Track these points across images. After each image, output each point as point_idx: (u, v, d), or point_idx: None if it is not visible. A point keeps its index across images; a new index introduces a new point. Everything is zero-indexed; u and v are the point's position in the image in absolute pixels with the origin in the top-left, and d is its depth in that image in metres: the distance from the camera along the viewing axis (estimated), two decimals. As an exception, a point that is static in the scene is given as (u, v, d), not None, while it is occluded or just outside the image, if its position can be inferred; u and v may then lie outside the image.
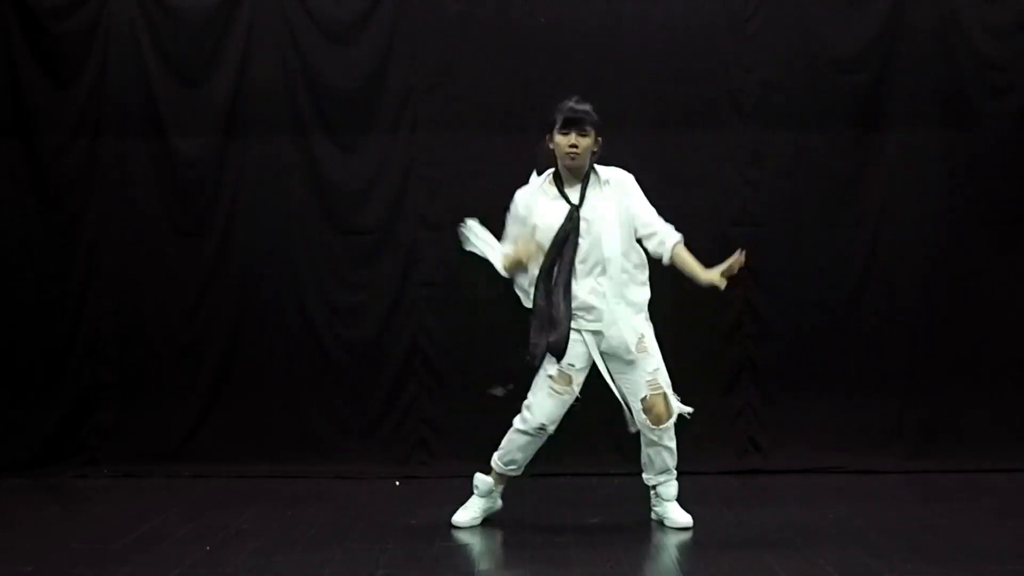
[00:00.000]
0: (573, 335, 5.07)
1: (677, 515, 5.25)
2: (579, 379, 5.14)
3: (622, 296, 5.11)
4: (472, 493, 5.32)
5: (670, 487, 5.28)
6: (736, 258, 5.04)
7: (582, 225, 5.06)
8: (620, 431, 6.26)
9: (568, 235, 5.05)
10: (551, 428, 5.16)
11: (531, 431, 5.14)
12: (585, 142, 5.07)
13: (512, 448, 5.20)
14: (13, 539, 5.13)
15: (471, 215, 6.30)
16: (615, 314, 5.08)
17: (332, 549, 4.88)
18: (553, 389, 5.10)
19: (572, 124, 5.05)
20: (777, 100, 6.33)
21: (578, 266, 5.06)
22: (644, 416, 5.13)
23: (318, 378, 6.39)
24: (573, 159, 5.07)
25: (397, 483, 6.14)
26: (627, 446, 6.26)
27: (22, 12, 6.33)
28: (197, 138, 6.36)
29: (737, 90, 6.34)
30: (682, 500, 5.62)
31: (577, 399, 5.16)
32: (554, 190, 5.14)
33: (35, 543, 5.04)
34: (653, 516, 5.34)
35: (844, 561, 4.61)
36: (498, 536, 5.12)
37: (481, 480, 5.29)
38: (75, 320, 6.40)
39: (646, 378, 5.12)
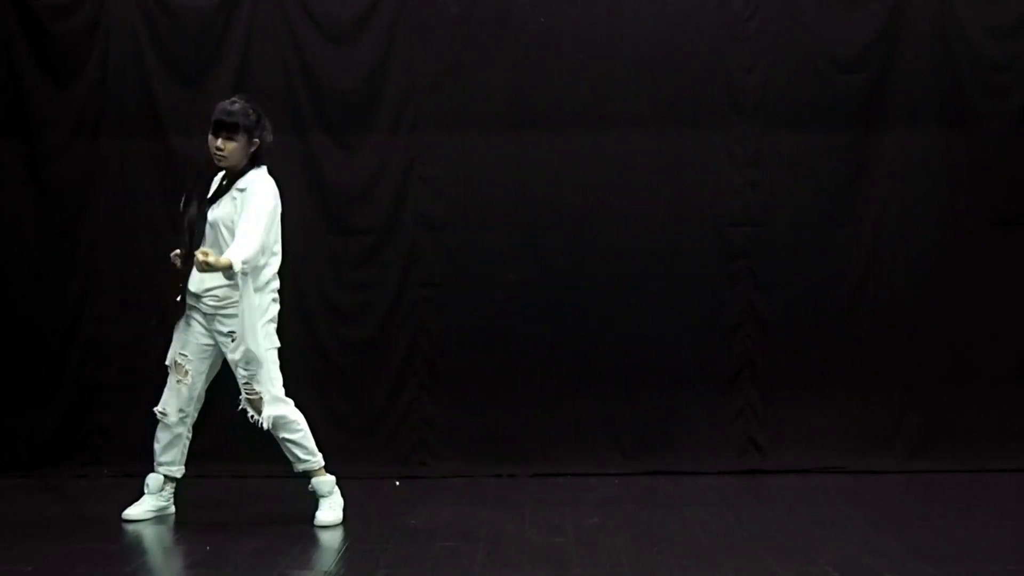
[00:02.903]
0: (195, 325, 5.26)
1: (323, 514, 5.29)
2: (198, 368, 5.32)
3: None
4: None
5: (320, 483, 5.34)
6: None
7: (209, 219, 5.22)
8: (619, 430, 6.28)
9: (193, 226, 5.24)
10: (172, 417, 5.30)
11: (158, 415, 5.34)
12: (229, 147, 5.18)
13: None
14: (13, 539, 5.12)
15: (471, 215, 6.33)
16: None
17: (332, 549, 4.88)
18: (172, 378, 5.33)
19: (216, 126, 5.18)
20: (777, 100, 6.33)
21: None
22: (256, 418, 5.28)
23: (318, 378, 6.38)
24: (219, 161, 5.21)
25: (397, 483, 6.14)
26: (627, 446, 6.28)
27: (22, 12, 6.33)
28: (197, 138, 6.34)
29: (737, 90, 6.34)
30: (682, 500, 5.64)
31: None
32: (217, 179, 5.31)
33: (35, 543, 5.03)
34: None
35: (844, 561, 4.61)
36: (498, 536, 5.11)
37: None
38: (75, 320, 6.40)
39: (241, 381, 5.27)
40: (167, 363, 5.35)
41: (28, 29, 6.34)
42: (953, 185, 6.35)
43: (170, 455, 5.39)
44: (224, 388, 6.38)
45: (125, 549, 4.90)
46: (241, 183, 5.23)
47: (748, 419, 6.39)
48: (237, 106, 5.18)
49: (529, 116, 6.29)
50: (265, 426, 5.22)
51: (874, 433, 6.35)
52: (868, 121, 6.34)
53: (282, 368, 6.40)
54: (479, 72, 6.32)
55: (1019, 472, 6.15)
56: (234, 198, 5.22)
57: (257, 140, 5.23)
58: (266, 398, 5.23)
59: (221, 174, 5.32)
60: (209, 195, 5.27)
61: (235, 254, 5.01)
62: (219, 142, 5.17)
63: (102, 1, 6.34)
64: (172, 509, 5.45)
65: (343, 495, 5.90)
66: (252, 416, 5.25)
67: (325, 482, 5.35)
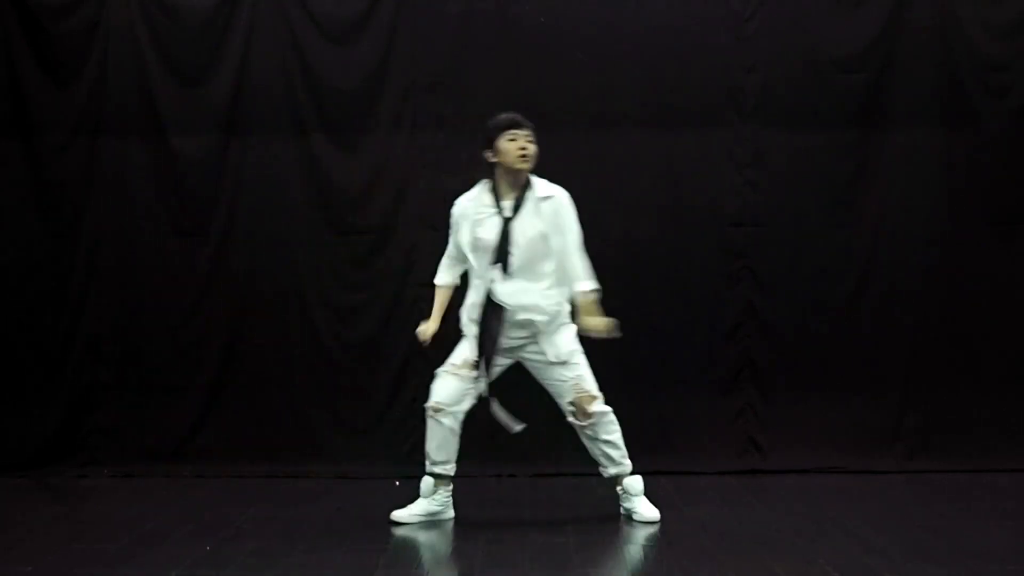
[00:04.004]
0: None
1: (645, 509, 5.32)
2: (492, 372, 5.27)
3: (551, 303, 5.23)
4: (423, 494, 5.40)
5: (636, 481, 5.35)
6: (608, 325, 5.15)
7: (514, 237, 5.16)
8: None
9: (502, 248, 5.16)
10: (452, 409, 5.22)
11: (428, 410, 5.27)
12: (533, 148, 5.18)
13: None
14: (13, 539, 5.13)
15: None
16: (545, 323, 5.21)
17: (332, 549, 4.88)
18: (450, 372, 5.27)
19: (520, 127, 5.18)
20: (777, 100, 6.33)
21: (513, 273, 5.17)
22: (572, 418, 5.27)
23: (318, 378, 6.39)
24: (525, 160, 5.16)
25: (397, 483, 6.14)
26: (627, 446, 6.27)
27: (22, 12, 6.33)
28: (197, 138, 6.36)
29: (737, 90, 6.34)
30: (682, 500, 5.65)
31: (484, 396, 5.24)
32: (490, 199, 5.22)
33: (35, 543, 5.03)
34: (622, 511, 5.39)
35: (844, 561, 4.61)
36: (498, 536, 5.11)
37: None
38: (75, 320, 6.40)
39: (570, 379, 5.24)
40: (457, 361, 5.24)
41: (28, 29, 6.34)
42: (953, 185, 6.35)
43: (444, 454, 5.31)
44: (226, 389, 6.41)
45: (125, 549, 4.90)
46: (540, 192, 5.20)
47: (748, 419, 6.39)
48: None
49: (529, 116, 6.26)
50: (587, 421, 5.23)
51: (874, 433, 6.36)
52: (868, 121, 6.34)
53: (282, 368, 6.44)
54: (479, 72, 6.32)
55: (1019, 472, 6.15)
56: (540, 210, 5.18)
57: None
58: (594, 393, 5.25)
59: (476, 197, 5.24)
60: (505, 214, 5.18)
61: (588, 285, 5.17)
62: (525, 142, 5.15)
63: (102, 1, 6.34)
64: (451, 513, 5.40)
65: (343, 495, 5.93)
66: (576, 418, 5.25)
67: (638, 480, 5.35)
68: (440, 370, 5.32)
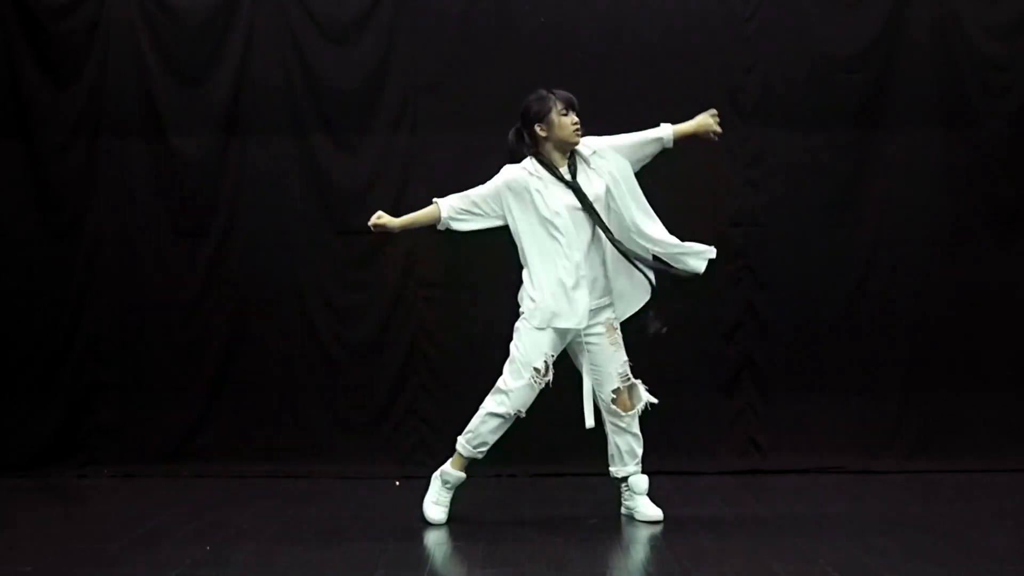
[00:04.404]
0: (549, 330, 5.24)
1: (648, 509, 5.33)
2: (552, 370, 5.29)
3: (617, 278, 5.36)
4: (432, 489, 5.41)
5: (641, 480, 5.36)
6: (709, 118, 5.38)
7: (590, 201, 5.25)
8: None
9: (589, 207, 5.23)
10: (523, 414, 5.29)
11: (507, 416, 5.25)
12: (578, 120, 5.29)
13: (484, 431, 5.28)
14: (13, 539, 5.13)
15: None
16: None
17: (332, 549, 4.88)
18: (535, 380, 5.21)
19: (572, 105, 5.28)
20: (777, 100, 6.33)
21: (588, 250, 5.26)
22: (614, 405, 5.28)
23: (318, 378, 6.39)
24: (579, 134, 5.27)
25: (397, 483, 6.14)
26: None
27: (22, 12, 6.33)
28: (197, 138, 6.36)
29: (737, 90, 6.34)
30: (682, 500, 5.64)
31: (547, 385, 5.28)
32: (547, 173, 5.27)
33: (35, 543, 5.03)
34: (623, 511, 5.40)
35: (844, 561, 4.61)
36: (498, 536, 5.11)
37: (451, 474, 5.36)
38: (75, 320, 6.40)
39: (618, 370, 5.29)
40: (536, 366, 5.20)
41: (28, 29, 6.34)
42: (953, 185, 6.35)
43: (494, 439, 5.34)
44: (226, 389, 6.41)
45: (125, 549, 4.90)
46: (588, 149, 5.31)
47: (748, 419, 6.39)
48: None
49: (529, 116, 6.28)
50: (629, 413, 5.30)
51: (874, 433, 6.36)
52: (868, 121, 6.34)
53: (282, 368, 6.43)
54: (479, 72, 6.32)
55: (1019, 472, 6.16)
56: (595, 167, 5.29)
57: None
58: (639, 385, 5.33)
59: (529, 167, 5.29)
60: (566, 180, 5.26)
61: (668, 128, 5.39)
62: (576, 117, 5.25)
63: (102, 1, 6.34)
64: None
65: (343, 495, 5.92)
66: (617, 409, 5.29)
67: (644, 479, 5.38)
68: (526, 375, 5.21)
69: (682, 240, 6.07)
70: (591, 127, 6.19)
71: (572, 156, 5.31)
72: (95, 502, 5.85)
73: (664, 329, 5.36)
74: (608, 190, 5.27)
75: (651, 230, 5.30)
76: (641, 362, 6.20)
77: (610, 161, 5.31)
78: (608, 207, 5.28)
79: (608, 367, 5.30)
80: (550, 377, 5.24)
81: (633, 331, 6.30)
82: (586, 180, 5.28)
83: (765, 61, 6.33)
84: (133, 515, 5.46)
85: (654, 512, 5.31)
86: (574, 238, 5.21)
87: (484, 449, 5.33)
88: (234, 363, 6.40)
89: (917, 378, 6.35)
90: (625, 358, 5.34)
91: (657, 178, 6.34)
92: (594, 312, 5.28)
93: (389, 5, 6.34)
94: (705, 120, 5.37)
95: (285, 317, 6.41)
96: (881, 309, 6.37)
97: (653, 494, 5.41)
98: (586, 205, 5.21)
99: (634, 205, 5.29)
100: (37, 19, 6.33)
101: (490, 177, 6.26)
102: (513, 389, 5.22)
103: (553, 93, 5.29)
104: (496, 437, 5.31)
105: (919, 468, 6.24)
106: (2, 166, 6.39)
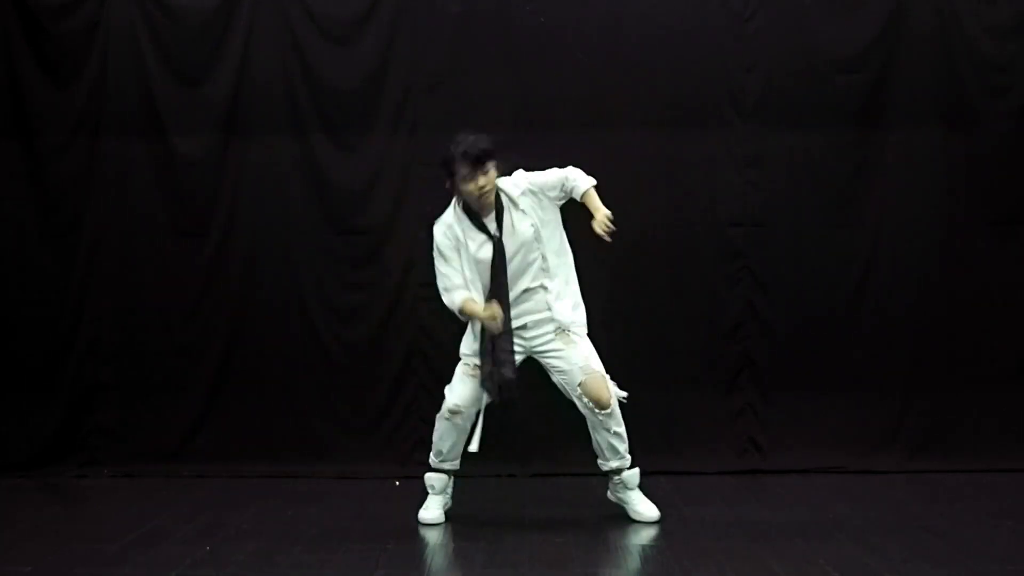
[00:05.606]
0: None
1: (643, 507, 5.34)
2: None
3: (550, 294, 5.32)
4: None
5: (632, 476, 5.37)
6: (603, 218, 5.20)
7: (508, 252, 5.22)
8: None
9: (499, 266, 5.22)
10: (468, 412, 5.32)
11: (445, 415, 5.35)
12: (490, 177, 5.18)
13: (435, 438, 5.41)
14: (13, 539, 5.13)
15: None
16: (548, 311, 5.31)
17: (332, 549, 4.88)
18: (468, 374, 5.32)
19: (479, 164, 5.15)
20: (777, 100, 6.33)
21: (510, 292, 5.25)
22: (586, 400, 5.25)
23: (318, 378, 6.39)
24: (484, 197, 5.21)
25: (397, 483, 6.14)
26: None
27: (22, 12, 6.33)
28: (197, 138, 6.36)
29: (737, 90, 6.34)
30: (682, 500, 5.64)
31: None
32: (468, 222, 5.28)
33: (35, 543, 5.04)
34: (613, 499, 5.43)
35: (844, 561, 4.61)
36: (498, 536, 5.12)
37: (430, 477, 5.45)
38: (75, 320, 6.40)
39: (579, 364, 5.25)
40: (473, 360, 5.30)
41: (28, 29, 6.34)
42: (953, 185, 6.35)
43: (455, 451, 5.42)
44: (226, 389, 6.41)
45: (125, 549, 4.90)
46: (516, 188, 5.24)
47: (748, 419, 6.39)
48: (471, 137, 5.18)
49: (529, 116, 6.28)
50: (613, 406, 5.26)
51: (874, 433, 6.35)
52: (868, 121, 6.33)
53: (282, 368, 6.43)
54: (479, 72, 6.32)
55: (1019, 472, 6.15)
56: (523, 208, 5.24)
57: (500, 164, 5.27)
58: (605, 375, 5.30)
59: (455, 220, 5.28)
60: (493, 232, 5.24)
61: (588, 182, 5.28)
62: (482, 179, 5.15)
63: (102, 1, 6.34)
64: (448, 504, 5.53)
65: (343, 495, 5.92)
66: (590, 406, 5.26)
67: (635, 473, 5.38)
68: (458, 370, 5.37)
69: (681, 240, 6.12)
70: (591, 127, 6.21)
71: (498, 196, 5.25)
72: (95, 502, 5.85)
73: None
74: (536, 230, 5.25)
75: (557, 285, 5.30)
76: (642, 362, 6.24)
77: (539, 199, 5.27)
78: (534, 246, 5.25)
79: (569, 365, 5.28)
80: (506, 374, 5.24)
81: (633, 331, 6.33)
82: (511, 227, 5.23)
83: (765, 61, 6.33)
84: (133, 515, 5.46)
85: (647, 510, 5.32)
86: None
87: (445, 459, 5.40)
88: (234, 363, 6.40)
89: (917, 378, 6.35)
90: (587, 352, 5.30)
91: (657, 178, 6.37)
92: (535, 325, 5.29)
93: (389, 5, 6.34)
94: (601, 217, 5.18)
95: (285, 317, 6.41)
96: (881, 309, 6.36)
97: (653, 494, 5.41)
98: (497, 262, 5.21)
99: (552, 249, 5.29)
100: (37, 19, 6.33)
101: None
102: (451, 384, 5.37)
103: (461, 155, 5.16)
104: (448, 443, 5.37)
105: (919, 468, 6.24)
106: (2, 166, 6.39)
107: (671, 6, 6.35)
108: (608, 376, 5.32)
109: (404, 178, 6.37)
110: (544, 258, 5.27)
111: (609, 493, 5.47)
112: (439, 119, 6.32)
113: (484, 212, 5.27)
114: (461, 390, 5.34)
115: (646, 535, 5.14)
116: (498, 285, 5.22)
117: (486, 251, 5.24)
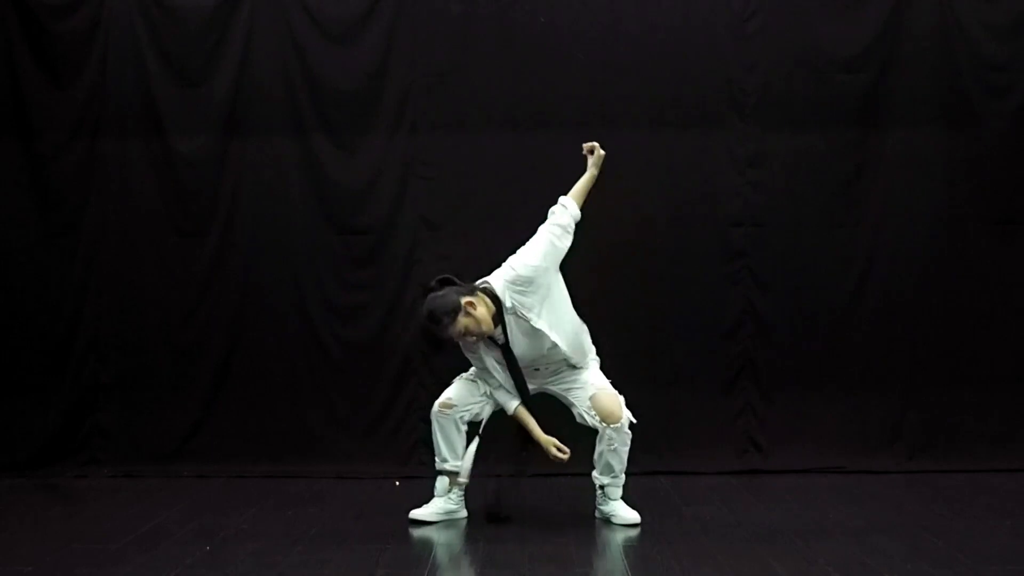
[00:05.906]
0: None
1: (625, 512, 5.33)
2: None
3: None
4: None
5: (615, 489, 5.37)
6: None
7: (517, 352, 5.27)
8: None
9: (514, 365, 5.29)
10: (460, 409, 5.35)
11: (436, 414, 5.37)
12: (462, 323, 5.14)
13: (434, 440, 5.43)
14: (13, 539, 5.13)
15: (471, 215, 6.33)
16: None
17: (332, 549, 4.88)
18: (469, 376, 5.42)
19: (438, 328, 5.18)
20: (777, 100, 6.33)
21: (527, 379, 5.36)
22: (593, 413, 5.28)
23: (318, 378, 6.39)
24: (477, 341, 5.26)
25: (397, 483, 6.14)
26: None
27: (22, 12, 6.33)
28: (197, 138, 6.36)
29: (737, 90, 6.34)
30: (682, 500, 5.64)
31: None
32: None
33: (35, 543, 5.03)
34: (597, 515, 5.41)
35: (844, 561, 4.61)
36: (498, 536, 5.11)
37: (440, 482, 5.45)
38: (75, 320, 6.40)
39: (591, 381, 5.33)
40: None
41: (28, 29, 6.34)
42: (953, 185, 6.35)
43: (454, 451, 5.40)
44: (226, 389, 6.41)
45: (125, 549, 4.90)
46: (508, 300, 5.23)
47: (748, 419, 6.39)
48: (426, 305, 5.19)
49: (529, 116, 6.29)
50: (625, 427, 5.27)
51: (874, 433, 6.36)
52: (868, 121, 6.33)
53: (282, 368, 6.43)
54: (479, 72, 6.32)
55: (1019, 472, 6.16)
56: (524, 311, 5.23)
57: (471, 286, 5.26)
58: (621, 399, 5.33)
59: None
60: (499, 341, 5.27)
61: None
62: (454, 329, 5.13)
63: (102, 1, 6.34)
64: (464, 512, 5.46)
65: (343, 495, 5.92)
66: (602, 421, 5.27)
67: (618, 485, 5.41)
68: (459, 377, 5.46)
69: (681, 240, 6.11)
70: (591, 127, 6.21)
71: (496, 300, 5.23)
72: (95, 502, 5.85)
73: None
74: (543, 318, 5.25)
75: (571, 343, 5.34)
76: (642, 362, 6.24)
77: (534, 291, 5.26)
78: (540, 336, 5.27)
79: (581, 383, 5.33)
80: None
81: (633, 331, 6.33)
82: (517, 332, 5.25)
83: (765, 61, 6.33)
84: (133, 515, 5.46)
85: (631, 515, 5.31)
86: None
87: (445, 460, 5.38)
88: (234, 363, 6.40)
89: (917, 378, 6.35)
90: (599, 374, 5.38)
91: (657, 178, 6.37)
92: (549, 370, 5.39)
93: (389, 5, 6.34)
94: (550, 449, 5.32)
95: (285, 317, 6.41)
96: (881, 309, 6.36)
97: (653, 494, 5.41)
98: (511, 363, 5.28)
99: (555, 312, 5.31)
100: (37, 19, 6.33)
101: (489, 175, 6.31)
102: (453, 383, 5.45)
103: (423, 330, 5.37)
104: (442, 441, 5.37)
105: (919, 468, 6.24)
106: (2, 166, 6.39)
107: (671, 6, 6.35)
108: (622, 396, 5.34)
109: (404, 178, 6.37)
110: (555, 345, 5.28)
111: (596, 512, 5.45)
112: (439, 119, 6.33)
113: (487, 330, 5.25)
114: (457, 388, 5.39)
115: (646, 535, 5.14)
116: (516, 375, 5.32)
117: (499, 355, 5.31)
